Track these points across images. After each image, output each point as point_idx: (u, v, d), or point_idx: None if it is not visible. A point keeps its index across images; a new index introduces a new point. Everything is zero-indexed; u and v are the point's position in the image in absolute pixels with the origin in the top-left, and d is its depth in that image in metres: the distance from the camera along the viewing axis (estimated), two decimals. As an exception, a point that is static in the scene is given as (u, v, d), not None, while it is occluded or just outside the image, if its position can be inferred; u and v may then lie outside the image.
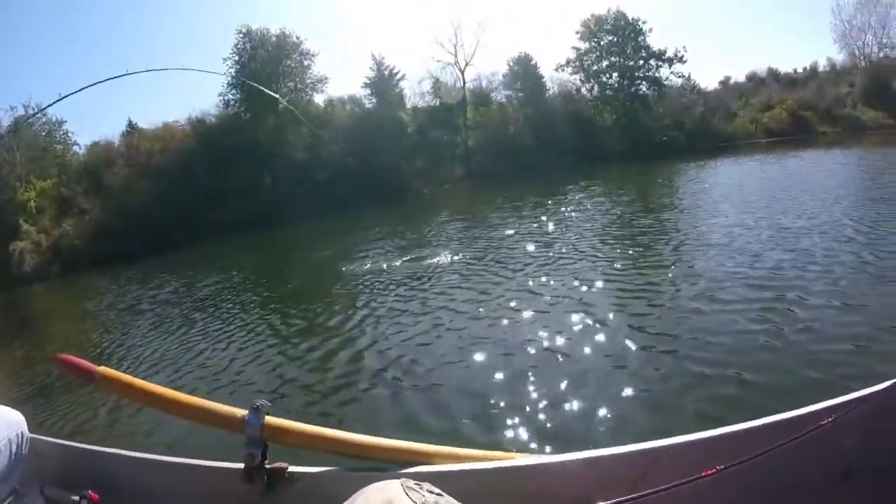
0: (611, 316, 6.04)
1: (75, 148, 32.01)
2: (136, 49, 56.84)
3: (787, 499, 1.17)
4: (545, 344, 5.50)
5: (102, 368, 1.44)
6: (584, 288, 7.22)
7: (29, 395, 6.87)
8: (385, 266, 10.54)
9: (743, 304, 5.77)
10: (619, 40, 35.97)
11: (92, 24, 59.21)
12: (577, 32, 37.18)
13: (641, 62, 36.28)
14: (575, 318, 6.08)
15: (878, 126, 34.10)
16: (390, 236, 14.66)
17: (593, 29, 36.32)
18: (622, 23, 35.92)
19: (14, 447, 1.44)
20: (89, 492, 1.45)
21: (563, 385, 4.57)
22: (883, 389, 1.17)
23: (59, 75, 48.86)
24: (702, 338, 5.06)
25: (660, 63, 36.23)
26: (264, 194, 28.26)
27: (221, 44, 69.05)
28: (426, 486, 0.77)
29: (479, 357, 5.45)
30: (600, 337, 5.51)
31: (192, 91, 62.38)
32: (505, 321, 6.37)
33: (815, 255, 7.24)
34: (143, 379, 1.50)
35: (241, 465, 1.33)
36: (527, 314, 6.53)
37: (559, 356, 5.20)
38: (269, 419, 1.32)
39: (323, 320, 7.81)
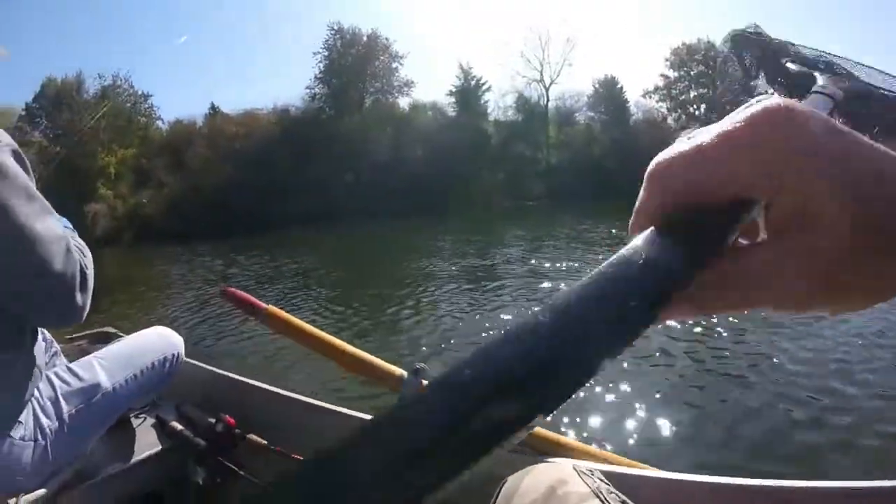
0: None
1: (158, 123, 32.28)
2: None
3: None
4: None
5: (270, 306, 1.46)
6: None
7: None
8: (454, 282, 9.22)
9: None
10: (709, 71, 35.28)
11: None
12: (666, 60, 36.49)
13: (731, 96, 35.43)
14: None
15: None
16: (463, 248, 13.19)
17: (684, 58, 35.73)
18: (713, 54, 35.20)
19: (168, 365, 1.52)
20: (226, 416, 1.49)
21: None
22: None
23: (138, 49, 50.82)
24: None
25: (749, 98, 35.39)
26: (343, 190, 27.72)
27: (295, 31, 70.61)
28: (597, 473, 0.78)
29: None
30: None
31: (273, 80, 64.35)
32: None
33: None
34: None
35: None
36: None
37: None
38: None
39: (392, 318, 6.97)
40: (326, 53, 32.34)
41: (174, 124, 31.36)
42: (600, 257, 10.66)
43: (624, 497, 0.67)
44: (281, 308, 1.46)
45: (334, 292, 9.02)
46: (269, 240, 18.20)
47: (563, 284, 8.16)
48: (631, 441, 3.34)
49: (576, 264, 10.24)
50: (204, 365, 1.79)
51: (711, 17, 65.03)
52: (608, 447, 3.01)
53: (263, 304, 1.47)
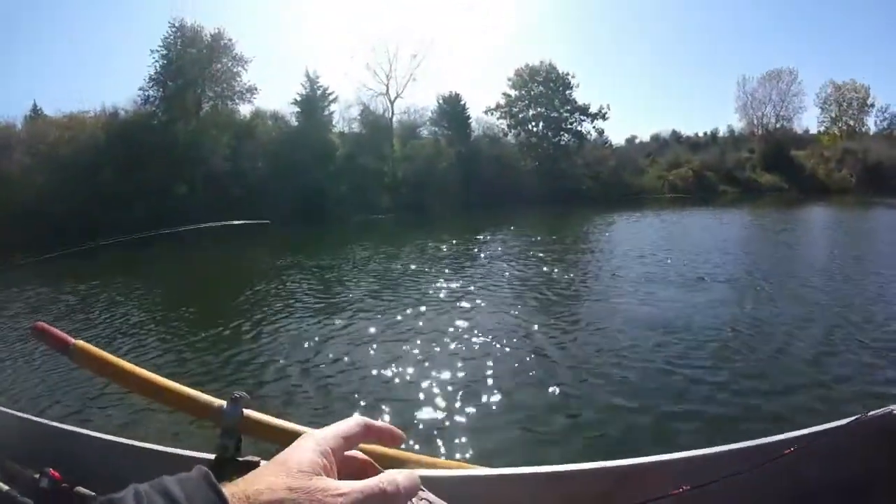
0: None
1: (-29, 123, 28.71)
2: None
3: None
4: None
5: (79, 342, 1.39)
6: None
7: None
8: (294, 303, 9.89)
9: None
10: (548, 92, 37.68)
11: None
12: (509, 80, 38.79)
13: (567, 114, 38.14)
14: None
15: (774, 188, 38.77)
16: (307, 268, 13.95)
17: (525, 79, 37.84)
18: (553, 76, 37.65)
19: None
20: (51, 470, 1.32)
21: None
22: (843, 425, 1.26)
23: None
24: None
25: (583, 117, 38.24)
26: (176, 202, 26.61)
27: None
28: None
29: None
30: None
31: (105, 79, 58.90)
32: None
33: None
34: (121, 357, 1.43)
35: (212, 456, 1.29)
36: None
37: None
38: (248, 412, 1.31)
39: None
40: (165, 52, 30.58)
41: (-13, 128, 28.57)
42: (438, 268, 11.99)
43: (433, 498, 0.68)
44: (94, 341, 1.49)
45: (157, 316, 8.91)
46: (91, 255, 15.69)
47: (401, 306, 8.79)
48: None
49: (417, 281, 11.11)
50: (21, 414, 1.63)
51: (553, 41, 68.24)
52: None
53: (72, 340, 1.38)
